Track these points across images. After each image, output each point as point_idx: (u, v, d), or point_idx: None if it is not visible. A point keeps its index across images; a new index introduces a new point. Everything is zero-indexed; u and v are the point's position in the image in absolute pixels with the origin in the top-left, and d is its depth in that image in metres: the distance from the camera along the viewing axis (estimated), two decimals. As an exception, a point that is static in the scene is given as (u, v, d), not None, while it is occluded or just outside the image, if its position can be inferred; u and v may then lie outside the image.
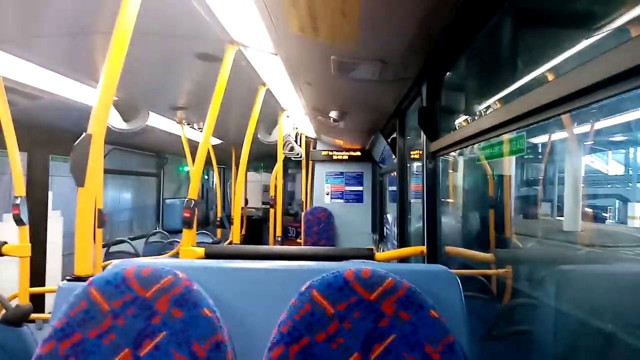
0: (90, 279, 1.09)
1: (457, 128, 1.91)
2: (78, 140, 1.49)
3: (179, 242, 4.44)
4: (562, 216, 2.39)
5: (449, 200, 3.26)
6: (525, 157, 3.11)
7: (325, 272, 1.11)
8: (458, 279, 1.18)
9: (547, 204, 3.01)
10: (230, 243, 3.44)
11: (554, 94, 0.91)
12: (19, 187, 2.33)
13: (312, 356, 1.04)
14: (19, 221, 2.33)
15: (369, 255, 1.81)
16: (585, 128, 2.37)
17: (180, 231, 2.35)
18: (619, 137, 3.14)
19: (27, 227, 2.34)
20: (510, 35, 1.56)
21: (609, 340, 1.37)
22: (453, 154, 2.75)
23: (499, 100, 1.79)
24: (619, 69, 0.70)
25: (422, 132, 1.96)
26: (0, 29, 2.03)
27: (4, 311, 2.10)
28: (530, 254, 2.56)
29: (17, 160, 2.30)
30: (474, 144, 1.57)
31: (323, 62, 2.08)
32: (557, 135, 2.63)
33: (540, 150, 2.98)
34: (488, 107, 1.88)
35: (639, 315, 1.34)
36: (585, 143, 2.48)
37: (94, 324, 1.04)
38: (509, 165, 2.78)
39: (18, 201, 2.32)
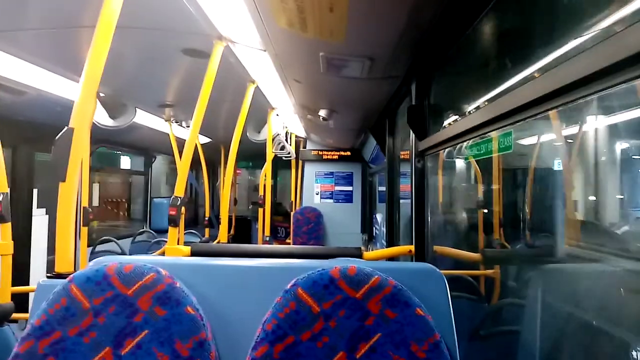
0: (71, 275, 1.06)
1: (447, 127, 1.90)
2: (60, 134, 1.46)
3: (166, 242, 4.38)
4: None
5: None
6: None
7: (312, 270, 1.09)
8: (444, 277, 1.17)
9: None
10: (219, 243, 3.41)
11: (541, 90, 0.90)
12: (2, 183, 2.28)
13: (297, 355, 1.01)
14: (0, 218, 2.27)
15: (357, 254, 1.78)
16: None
17: (167, 231, 2.31)
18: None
19: (9, 224, 2.28)
20: (500, 32, 1.55)
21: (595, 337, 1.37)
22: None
23: (490, 99, 1.79)
24: (607, 63, 0.70)
25: (411, 131, 1.96)
26: None
27: None
28: (518, 253, 2.58)
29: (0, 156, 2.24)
30: (463, 142, 1.56)
31: (312, 59, 2.06)
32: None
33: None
34: (478, 106, 1.88)
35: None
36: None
37: (74, 322, 1.01)
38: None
39: (0, 197, 2.26)
